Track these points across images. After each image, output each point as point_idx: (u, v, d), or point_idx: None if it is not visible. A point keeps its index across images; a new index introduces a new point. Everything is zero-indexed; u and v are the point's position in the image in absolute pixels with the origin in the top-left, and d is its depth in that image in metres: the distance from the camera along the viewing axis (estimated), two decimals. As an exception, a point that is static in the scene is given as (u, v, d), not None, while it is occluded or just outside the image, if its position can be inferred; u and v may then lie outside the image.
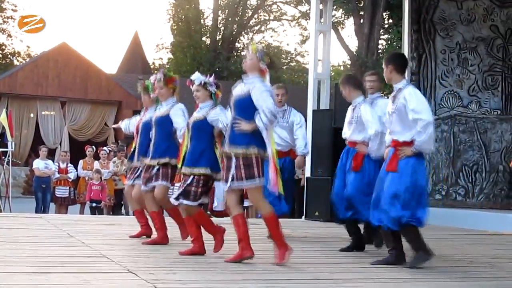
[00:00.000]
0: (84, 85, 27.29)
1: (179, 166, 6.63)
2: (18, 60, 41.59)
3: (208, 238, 6.55)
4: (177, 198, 6.41)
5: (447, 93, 12.80)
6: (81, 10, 77.98)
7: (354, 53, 26.57)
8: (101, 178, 15.16)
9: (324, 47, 12.90)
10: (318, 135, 11.36)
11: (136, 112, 14.40)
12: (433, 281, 5.59)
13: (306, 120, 9.49)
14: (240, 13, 38.19)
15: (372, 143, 7.03)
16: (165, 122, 7.15)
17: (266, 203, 6.16)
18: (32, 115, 26.88)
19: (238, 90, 6.20)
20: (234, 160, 5.99)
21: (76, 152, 19.51)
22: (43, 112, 26.95)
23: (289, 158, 8.48)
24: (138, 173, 7.58)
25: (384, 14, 27.39)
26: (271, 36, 50.63)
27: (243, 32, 40.23)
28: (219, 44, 37.27)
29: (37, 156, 16.66)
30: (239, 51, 37.96)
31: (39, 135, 26.57)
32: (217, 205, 6.63)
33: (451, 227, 10.26)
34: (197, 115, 6.62)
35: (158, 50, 41.03)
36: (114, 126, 9.35)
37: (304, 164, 7.86)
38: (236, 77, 36.33)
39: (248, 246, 6.05)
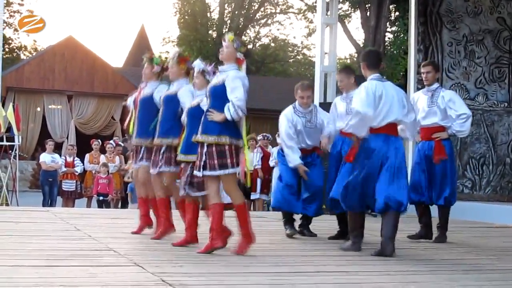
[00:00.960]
0: (90, 79, 27.33)
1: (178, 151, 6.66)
2: (24, 54, 41.72)
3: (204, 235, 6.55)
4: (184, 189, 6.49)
5: (454, 85, 12.76)
6: (88, 4, 78.06)
7: (361, 45, 26.48)
8: (108, 171, 15.18)
9: (331, 40, 12.89)
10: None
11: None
12: (440, 273, 5.58)
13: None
14: (246, 6, 38.14)
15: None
16: (172, 101, 7.02)
17: (239, 192, 6.20)
18: (38, 109, 26.93)
19: (214, 79, 6.23)
20: (205, 148, 6.03)
21: (83, 146, 19.53)
22: (49, 106, 27.00)
23: (315, 154, 8.01)
24: (141, 154, 7.42)
25: (390, 6, 27.28)
26: (278, 29, 50.71)
27: (249, 26, 40.20)
28: (226, 37, 37.20)
29: (44, 150, 16.68)
30: (245, 45, 37.73)
31: (45, 129, 26.62)
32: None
33: (458, 219, 10.23)
34: (193, 101, 6.65)
35: (165, 44, 40.98)
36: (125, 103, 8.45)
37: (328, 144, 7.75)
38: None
39: (218, 237, 6.06)
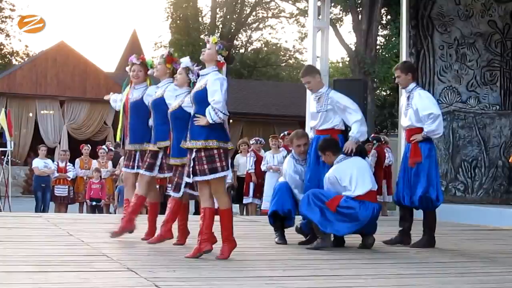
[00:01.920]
0: (82, 84, 27.25)
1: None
2: (16, 60, 41.64)
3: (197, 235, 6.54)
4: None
5: (445, 88, 12.81)
6: (80, 9, 78.00)
7: (353, 49, 26.54)
8: (100, 176, 15.15)
9: (323, 44, 12.90)
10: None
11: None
12: (433, 276, 5.59)
13: (304, 117, 9.36)
14: (238, 11, 38.15)
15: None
16: (160, 105, 7.02)
17: (226, 196, 6.22)
18: (31, 114, 26.85)
19: (197, 83, 6.24)
20: (194, 153, 6.05)
21: (75, 151, 19.46)
22: (42, 111, 26.92)
23: None
24: (136, 161, 7.40)
25: (382, 10, 27.38)
26: (270, 34, 50.87)
27: (241, 30, 40.23)
28: (218, 42, 37.17)
29: (37, 155, 16.63)
30: (237, 49, 37.90)
31: (38, 134, 26.54)
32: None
33: (451, 222, 10.25)
34: (174, 103, 6.64)
35: (157, 48, 40.96)
36: (106, 97, 8.44)
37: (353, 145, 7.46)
38: (234, 75, 36.42)
39: (207, 240, 6.07)
